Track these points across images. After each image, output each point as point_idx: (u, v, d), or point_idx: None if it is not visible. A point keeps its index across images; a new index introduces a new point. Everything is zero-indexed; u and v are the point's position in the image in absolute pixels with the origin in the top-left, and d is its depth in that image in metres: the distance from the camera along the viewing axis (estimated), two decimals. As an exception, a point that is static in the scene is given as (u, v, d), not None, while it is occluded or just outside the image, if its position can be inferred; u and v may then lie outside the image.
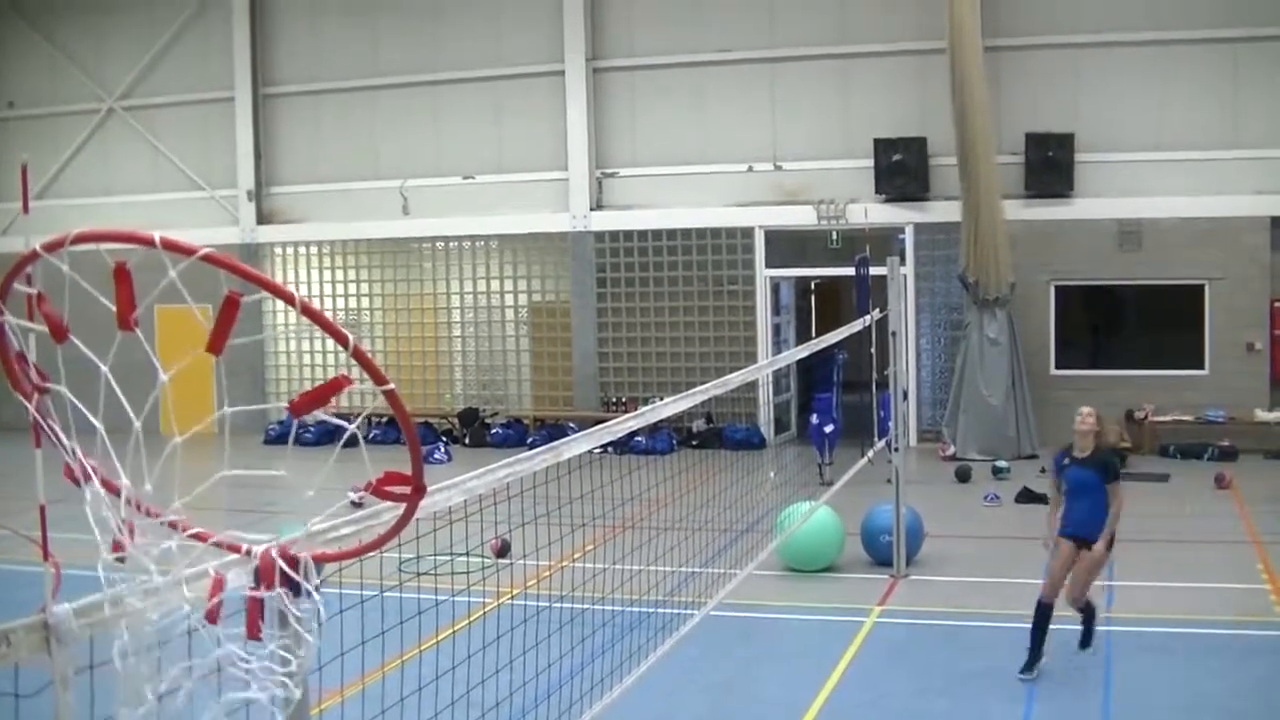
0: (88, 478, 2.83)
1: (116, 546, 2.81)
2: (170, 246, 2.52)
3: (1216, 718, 8.82)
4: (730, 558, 9.57)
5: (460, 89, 24.06)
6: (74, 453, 2.82)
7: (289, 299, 2.59)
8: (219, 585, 2.94)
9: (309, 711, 3.72)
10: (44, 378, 2.84)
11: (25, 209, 3.30)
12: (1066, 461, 9.71)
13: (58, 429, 2.81)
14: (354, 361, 2.76)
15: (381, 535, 3.14)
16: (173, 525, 2.83)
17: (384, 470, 2.93)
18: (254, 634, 2.93)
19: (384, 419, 20.16)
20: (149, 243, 2.51)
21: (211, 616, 2.89)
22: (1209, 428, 20.00)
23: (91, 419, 2.80)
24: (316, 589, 3.09)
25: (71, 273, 2.65)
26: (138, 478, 2.81)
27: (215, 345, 2.62)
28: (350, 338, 2.65)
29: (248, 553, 3.04)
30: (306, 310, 2.60)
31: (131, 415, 2.74)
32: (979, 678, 9.69)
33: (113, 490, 2.83)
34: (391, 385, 2.71)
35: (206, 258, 2.53)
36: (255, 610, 2.94)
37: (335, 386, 2.73)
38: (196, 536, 2.91)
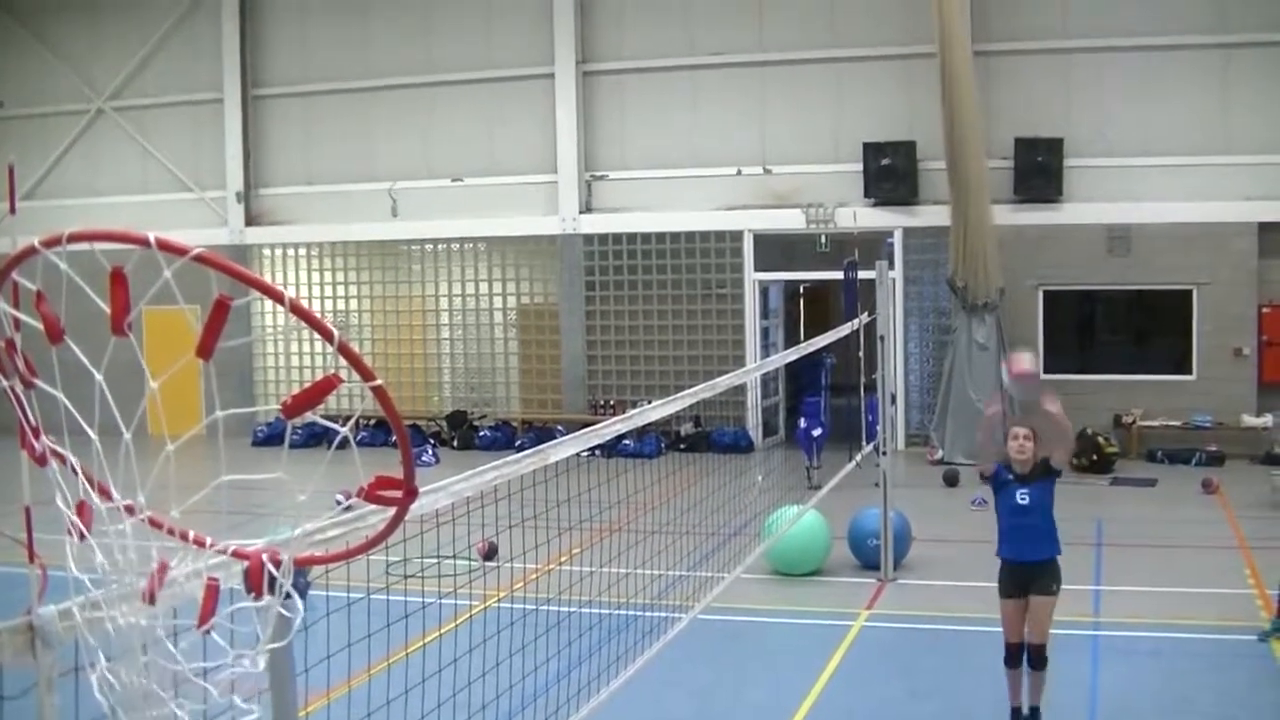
0: (49, 458, 2.80)
1: (77, 529, 2.78)
2: (165, 247, 2.52)
3: (1202, 722, 8.84)
4: (718, 561, 9.58)
5: (450, 91, 24.03)
6: (38, 433, 2.79)
7: (279, 298, 2.58)
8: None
9: (296, 713, 3.72)
10: (32, 371, 2.82)
11: (13, 209, 3.31)
12: (1009, 477, 8.41)
13: (29, 410, 2.78)
14: (341, 361, 2.73)
15: (371, 538, 3.12)
16: (128, 510, 2.80)
17: (374, 474, 2.90)
18: (205, 624, 2.88)
19: (371, 421, 20.12)
20: (143, 243, 2.51)
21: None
22: (1196, 433, 20.04)
23: (86, 427, 2.79)
24: (300, 592, 3.07)
25: (68, 270, 2.65)
26: (129, 484, 2.79)
27: (205, 349, 2.60)
28: (336, 332, 2.62)
29: (224, 550, 3.00)
30: (296, 309, 2.59)
31: (122, 426, 2.72)
32: (966, 681, 9.71)
33: (78, 471, 2.81)
34: (380, 381, 2.69)
35: (199, 258, 2.53)
36: (211, 600, 2.89)
37: (327, 386, 2.71)
38: (152, 522, 2.87)
